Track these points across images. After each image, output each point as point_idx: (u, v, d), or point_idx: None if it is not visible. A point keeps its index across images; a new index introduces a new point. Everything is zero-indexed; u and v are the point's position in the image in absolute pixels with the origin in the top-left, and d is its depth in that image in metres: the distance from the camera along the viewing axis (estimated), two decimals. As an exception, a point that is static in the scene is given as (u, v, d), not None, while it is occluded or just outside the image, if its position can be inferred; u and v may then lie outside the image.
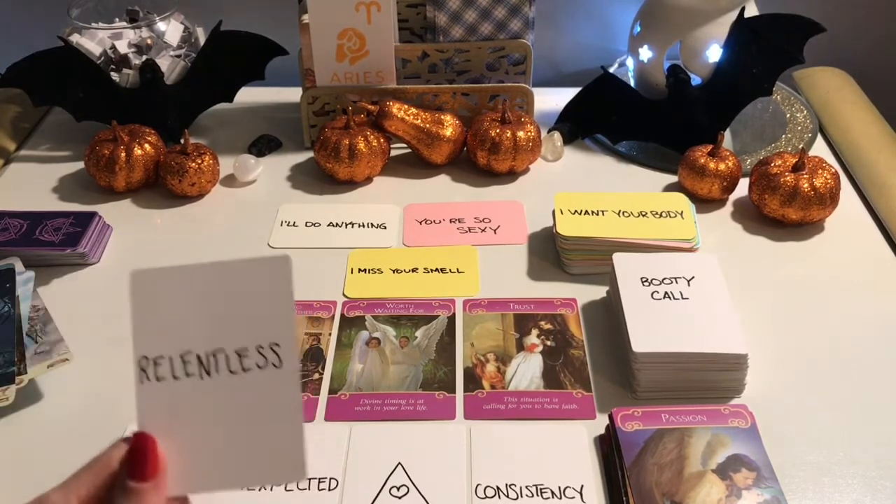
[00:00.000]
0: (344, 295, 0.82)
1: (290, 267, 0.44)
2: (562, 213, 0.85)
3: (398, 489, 0.63)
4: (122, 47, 1.04)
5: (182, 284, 0.44)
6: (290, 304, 0.44)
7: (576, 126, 1.05)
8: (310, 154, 1.03)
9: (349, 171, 0.96)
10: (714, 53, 0.99)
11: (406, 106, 0.98)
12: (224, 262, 0.45)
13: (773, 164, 0.89)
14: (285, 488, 0.62)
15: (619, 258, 0.78)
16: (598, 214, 0.85)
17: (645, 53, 1.04)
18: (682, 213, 0.85)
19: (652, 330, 0.70)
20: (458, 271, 0.85)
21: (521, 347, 0.75)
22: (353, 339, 0.76)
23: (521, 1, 1.00)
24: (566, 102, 1.05)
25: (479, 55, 1.03)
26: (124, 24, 1.07)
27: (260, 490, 0.62)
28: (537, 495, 0.62)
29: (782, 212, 0.88)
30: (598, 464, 0.65)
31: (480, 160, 0.98)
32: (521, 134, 0.97)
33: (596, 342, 0.76)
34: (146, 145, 0.95)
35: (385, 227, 0.91)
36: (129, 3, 1.09)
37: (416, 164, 1.02)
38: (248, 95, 1.11)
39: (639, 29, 1.05)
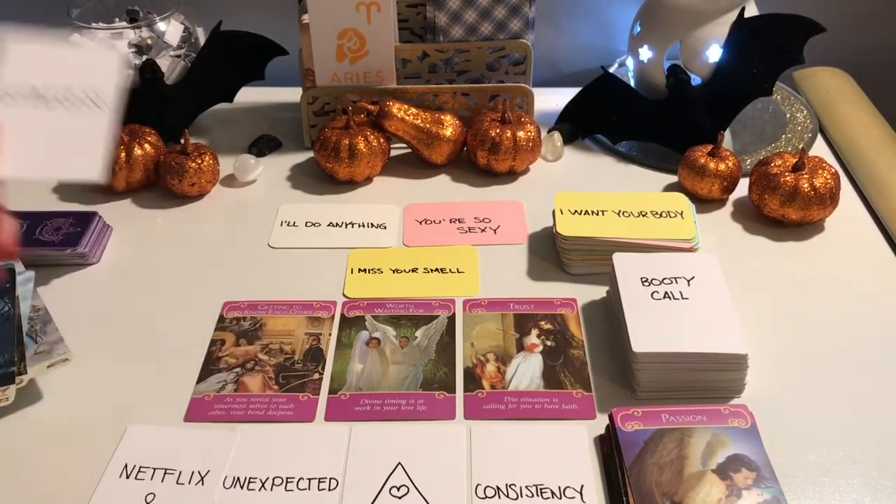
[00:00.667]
0: (344, 295, 0.82)
1: (120, 55, 0.69)
2: (562, 213, 0.85)
3: (398, 489, 0.63)
4: (122, 47, 1.04)
5: (32, 53, 0.67)
6: (119, 74, 0.68)
7: (576, 126, 1.05)
8: (310, 154, 1.03)
9: (349, 171, 0.96)
10: (714, 53, 0.99)
11: (406, 106, 0.98)
12: (65, 42, 0.69)
13: (773, 164, 0.89)
14: (285, 488, 0.62)
15: (619, 258, 0.78)
16: (598, 214, 0.85)
17: (645, 53, 1.04)
18: (682, 213, 0.85)
19: (652, 330, 0.70)
20: (458, 271, 0.85)
21: (521, 347, 0.75)
22: (353, 339, 0.76)
23: (521, 1, 1.00)
24: (566, 102, 1.05)
25: (479, 55, 1.03)
26: (124, 24, 1.07)
27: (260, 490, 0.62)
28: (537, 495, 0.62)
29: (782, 212, 0.88)
30: (598, 464, 0.65)
31: (480, 160, 0.98)
32: (521, 134, 0.97)
33: (596, 342, 0.76)
34: (146, 145, 0.95)
35: (385, 227, 0.91)
36: (129, 3, 1.09)
37: (416, 164, 1.02)
38: (248, 95, 1.11)
39: (639, 29, 1.05)
